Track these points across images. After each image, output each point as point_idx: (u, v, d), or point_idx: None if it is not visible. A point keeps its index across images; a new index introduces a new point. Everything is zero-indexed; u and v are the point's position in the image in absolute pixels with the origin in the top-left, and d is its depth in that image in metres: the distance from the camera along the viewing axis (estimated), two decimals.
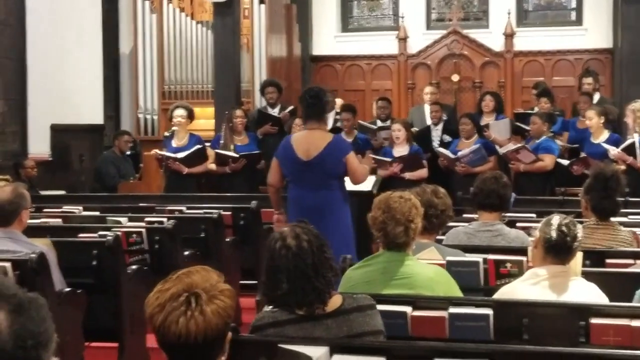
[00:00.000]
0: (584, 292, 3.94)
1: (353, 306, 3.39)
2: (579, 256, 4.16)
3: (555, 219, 4.01)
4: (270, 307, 3.41)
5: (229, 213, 8.02)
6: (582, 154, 9.34)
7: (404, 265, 4.06)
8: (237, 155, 9.88)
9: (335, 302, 3.37)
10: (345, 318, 3.35)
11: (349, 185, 7.24)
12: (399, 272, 4.04)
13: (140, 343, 6.18)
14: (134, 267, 6.22)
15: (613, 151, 8.62)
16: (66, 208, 8.18)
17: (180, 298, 2.54)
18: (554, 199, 8.58)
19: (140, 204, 8.62)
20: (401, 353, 3.22)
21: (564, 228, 3.95)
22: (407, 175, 9.56)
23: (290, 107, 11.09)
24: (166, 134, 10.50)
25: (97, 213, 7.97)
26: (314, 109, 6.75)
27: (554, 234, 3.94)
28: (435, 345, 3.37)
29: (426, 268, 4.14)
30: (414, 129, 10.68)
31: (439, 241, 5.22)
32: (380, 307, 3.62)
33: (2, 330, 1.75)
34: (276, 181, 6.92)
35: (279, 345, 3.15)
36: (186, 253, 6.99)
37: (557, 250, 3.95)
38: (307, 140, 6.71)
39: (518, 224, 6.29)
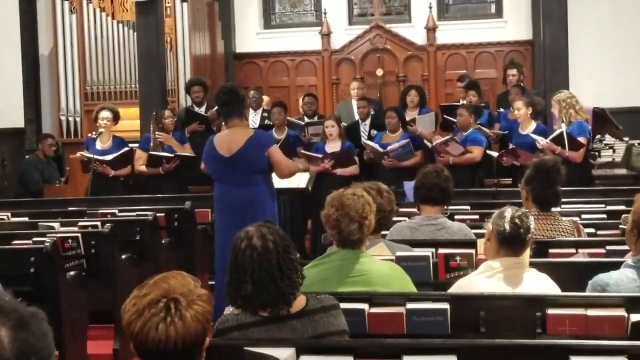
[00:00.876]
0: (537, 283, 3.99)
1: (317, 307, 3.37)
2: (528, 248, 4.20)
3: (508, 212, 4.04)
4: (232, 308, 3.36)
5: (163, 214, 7.93)
6: (511, 145, 9.46)
7: (359, 262, 4.04)
8: (172, 155, 9.76)
9: (299, 303, 3.34)
10: (310, 319, 3.33)
11: (282, 182, 7.23)
12: (354, 269, 4.02)
13: (82, 350, 6.08)
14: (72, 273, 6.09)
15: (542, 141, 8.74)
16: None
17: (159, 304, 2.49)
18: (486, 191, 8.68)
19: (70, 208, 8.45)
20: (367, 351, 3.21)
21: (517, 220, 3.98)
22: (339, 171, 9.55)
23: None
24: (92, 135, 10.31)
25: (27, 219, 7.79)
26: (231, 105, 6.75)
27: (507, 227, 3.97)
28: (401, 342, 3.37)
29: (381, 264, 4.14)
30: (343, 124, 10.68)
31: (383, 236, 5.22)
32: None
33: (5, 347, 1.69)
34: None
35: (245, 348, 3.11)
36: (123, 257, 6.89)
37: (511, 242, 3.98)
38: (228, 138, 6.73)
39: (456, 217, 6.36)
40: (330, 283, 4.01)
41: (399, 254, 4.61)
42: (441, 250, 4.70)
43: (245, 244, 3.28)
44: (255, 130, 7.07)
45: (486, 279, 3.97)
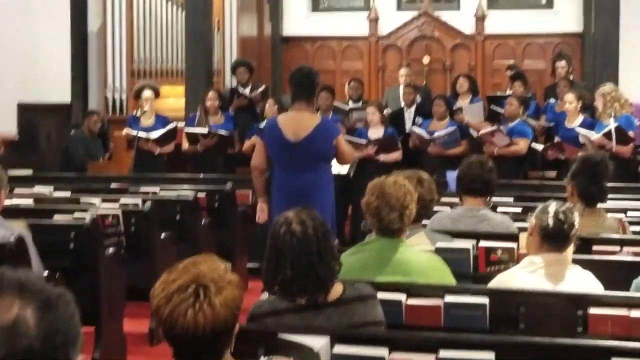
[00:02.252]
0: (580, 280, 3.91)
1: (354, 295, 3.33)
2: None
3: (552, 206, 3.95)
4: (269, 294, 3.33)
5: (204, 195, 7.94)
6: (556, 139, 9.34)
7: (398, 251, 4.00)
8: (206, 132, 9.77)
9: (336, 291, 3.30)
10: (347, 308, 3.29)
11: None
12: (393, 258, 3.98)
13: (118, 327, 6.11)
14: (111, 250, 6.11)
15: (593, 136, 8.59)
16: (36, 188, 8.02)
17: (188, 290, 2.45)
18: (530, 184, 8.58)
19: (112, 185, 8.49)
20: (403, 344, 3.16)
21: (561, 216, 3.89)
22: (382, 157, 9.50)
23: (262, 88, 11.03)
24: (136, 113, 10.35)
25: (69, 194, 7.83)
26: (304, 89, 6.59)
27: (550, 222, 3.89)
28: (438, 336, 3.32)
29: (420, 255, 4.09)
30: (387, 111, 10.62)
31: (423, 226, 5.16)
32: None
33: (30, 328, 1.66)
34: (260, 163, 6.74)
35: (279, 334, 3.08)
36: (162, 236, 6.90)
37: (554, 238, 3.90)
38: (295, 122, 6.53)
39: (499, 209, 6.27)
40: (368, 271, 3.96)
41: (439, 244, 4.54)
42: (482, 243, 4.62)
43: (284, 229, 3.24)
44: (322, 117, 6.96)
45: (527, 274, 3.90)
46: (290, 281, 3.22)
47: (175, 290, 2.46)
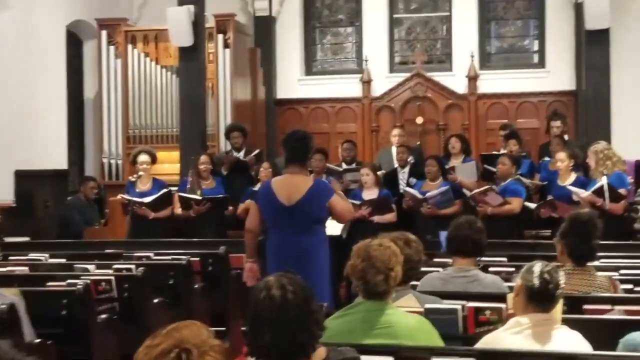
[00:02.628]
0: (568, 341, 3.89)
1: (338, 359, 3.32)
2: (559, 303, 4.12)
3: (537, 266, 3.96)
4: (253, 359, 3.32)
5: (197, 259, 7.95)
6: (549, 197, 9.37)
7: (385, 314, 3.99)
8: (200, 198, 9.82)
9: (319, 355, 3.29)
10: None
11: None
12: (379, 321, 3.97)
13: None
14: (103, 316, 6.11)
15: (583, 194, 8.62)
16: (32, 255, 8.04)
17: (170, 354, 2.45)
18: (524, 242, 8.58)
19: (107, 250, 8.51)
20: None
21: (546, 275, 3.90)
22: (376, 218, 9.51)
23: (256, 151, 11.10)
24: (131, 178, 10.41)
25: (64, 260, 7.86)
26: (298, 152, 6.65)
27: (536, 282, 3.90)
28: None
29: (407, 317, 4.09)
30: (381, 172, 10.67)
31: (414, 287, 5.17)
32: (361, 357, 3.55)
33: None
34: (255, 226, 6.78)
35: None
36: (155, 300, 6.90)
37: (540, 298, 3.90)
38: (288, 185, 6.58)
39: (491, 269, 6.27)
40: (355, 334, 3.96)
41: (427, 306, 4.55)
42: (471, 304, 4.63)
43: (264, 294, 3.24)
44: (315, 179, 7.01)
45: (514, 335, 3.89)
46: (270, 347, 3.21)
47: (158, 355, 2.46)
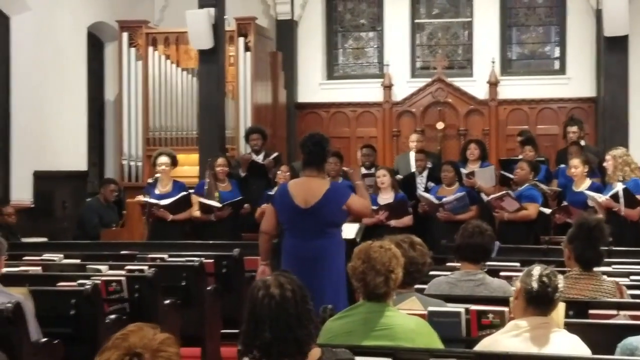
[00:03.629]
0: (565, 344, 3.88)
1: None
2: (561, 307, 4.10)
3: (536, 270, 3.96)
4: (248, 358, 3.33)
5: (212, 261, 7.95)
6: (564, 203, 9.34)
7: (384, 316, 3.99)
8: (220, 205, 9.83)
9: (314, 355, 3.29)
10: None
11: None
12: (379, 323, 3.97)
13: None
14: (112, 316, 6.13)
15: (600, 199, 8.59)
16: (46, 256, 8.08)
17: None
18: (537, 248, 8.55)
19: (122, 252, 8.53)
20: None
21: (544, 279, 3.90)
22: (393, 222, 9.51)
23: (275, 155, 11.10)
24: (150, 180, 10.45)
25: (78, 261, 7.88)
26: (315, 156, 6.65)
27: (535, 285, 3.89)
28: None
29: (407, 319, 4.08)
30: (399, 177, 10.67)
31: (421, 290, 5.17)
32: (360, 359, 3.55)
33: None
34: (271, 228, 6.78)
35: None
36: (166, 302, 6.92)
37: (538, 301, 3.90)
38: (305, 188, 6.59)
39: (501, 273, 6.25)
40: (354, 336, 3.96)
41: (430, 309, 4.53)
42: (473, 307, 4.61)
43: (263, 293, 3.25)
44: (331, 182, 7.01)
45: (512, 338, 3.88)
46: (269, 345, 3.22)
47: None
